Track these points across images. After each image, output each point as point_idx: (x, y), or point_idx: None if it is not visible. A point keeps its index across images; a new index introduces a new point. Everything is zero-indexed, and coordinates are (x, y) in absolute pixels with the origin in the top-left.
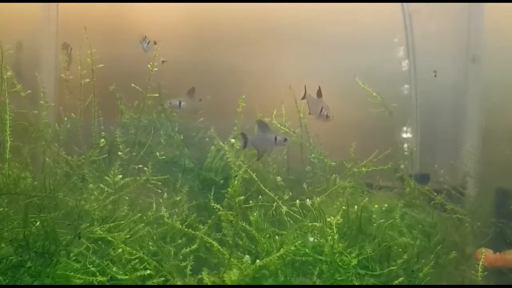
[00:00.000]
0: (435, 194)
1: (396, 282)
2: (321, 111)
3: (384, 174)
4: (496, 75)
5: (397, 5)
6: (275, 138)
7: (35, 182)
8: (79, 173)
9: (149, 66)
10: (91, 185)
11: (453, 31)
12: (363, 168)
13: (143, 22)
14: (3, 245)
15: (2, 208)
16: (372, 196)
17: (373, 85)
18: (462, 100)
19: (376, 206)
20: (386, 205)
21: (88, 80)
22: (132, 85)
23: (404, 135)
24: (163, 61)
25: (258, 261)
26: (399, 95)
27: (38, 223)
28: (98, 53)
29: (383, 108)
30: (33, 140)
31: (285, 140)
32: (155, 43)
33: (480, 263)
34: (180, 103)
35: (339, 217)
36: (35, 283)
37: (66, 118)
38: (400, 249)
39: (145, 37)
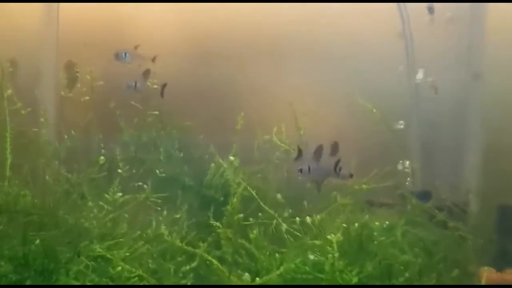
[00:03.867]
0: (437, 211)
1: None
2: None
3: (385, 191)
4: (498, 91)
5: (399, 21)
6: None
7: (35, 200)
8: (78, 191)
9: (148, 83)
10: (90, 203)
11: (454, 47)
12: (364, 185)
13: (142, 39)
14: (3, 263)
15: (1, 226)
16: (373, 213)
17: (372, 102)
18: (464, 116)
19: (377, 223)
20: (387, 222)
21: (88, 97)
22: (132, 102)
23: (405, 151)
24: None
25: (258, 279)
26: (400, 111)
27: (37, 241)
28: (98, 70)
29: (383, 124)
30: (33, 158)
31: None
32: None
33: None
34: (135, 84)
35: (339, 235)
36: None
37: (66, 136)
38: (402, 267)
39: (117, 53)
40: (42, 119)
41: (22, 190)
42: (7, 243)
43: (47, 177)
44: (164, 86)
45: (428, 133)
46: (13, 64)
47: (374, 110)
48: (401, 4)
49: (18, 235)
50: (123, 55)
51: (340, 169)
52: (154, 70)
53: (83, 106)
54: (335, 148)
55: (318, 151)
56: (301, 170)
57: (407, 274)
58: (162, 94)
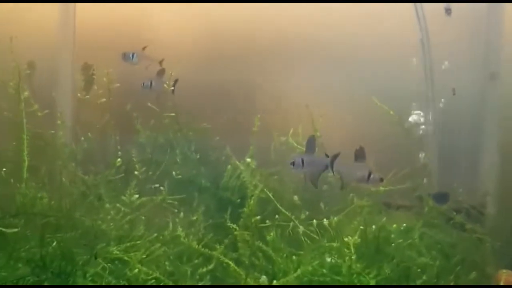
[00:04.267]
0: (455, 213)
1: None
2: (369, 176)
3: (402, 193)
4: None
5: (415, 21)
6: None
7: (52, 202)
8: (95, 192)
9: (165, 85)
10: (107, 205)
11: (471, 48)
12: (381, 187)
13: (159, 42)
14: (20, 265)
15: (19, 228)
16: (390, 215)
17: (389, 103)
18: (481, 117)
19: (394, 225)
20: (404, 224)
21: (104, 99)
22: (148, 104)
23: (422, 153)
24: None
25: (275, 281)
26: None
27: (54, 243)
28: (114, 72)
29: (400, 126)
30: (50, 160)
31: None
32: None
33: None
34: (151, 83)
35: (356, 237)
36: None
37: (82, 138)
38: (419, 270)
39: (124, 53)
40: (59, 121)
41: (39, 192)
42: (24, 245)
43: (64, 179)
44: (175, 82)
45: (445, 135)
46: (30, 66)
47: (391, 112)
48: (418, 4)
49: (35, 237)
50: (130, 55)
51: (370, 174)
52: (171, 72)
53: (100, 108)
54: (361, 153)
55: (311, 142)
56: (293, 164)
57: (424, 277)
58: (173, 90)
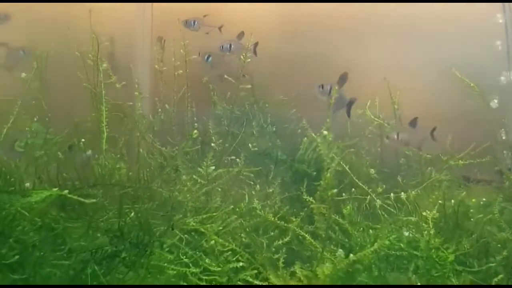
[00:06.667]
0: None
1: (495, 280)
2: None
3: (482, 168)
4: None
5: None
6: None
7: (130, 173)
8: (172, 164)
9: (241, 57)
10: (184, 176)
11: None
12: (460, 161)
13: (235, 15)
14: (99, 235)
15: (97, 199)
16: (469, 190)
17: (468, 78)
18: None
19: (473, 200)
20: (484, 199)
21: (181, 71)
22: (225, 76)
23: (503, 128)
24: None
25: (351, 255)
26: (497, 88)
27: (132, 213)
28: (191, 45)
29: (480, 100)
30: (128, 131)
31: None
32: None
33: None
34: (230, 46)
35: (435, 212)
36: (130, 273)
37: (160, 110)
38: (499, 245)
39: (186, 20)
40: (136, 93)
41: (117, 163)
42: (102, 215)
43: (141, 150)
44: (256, 45)
45: None
46: (109, 39)
47: (472, 84)
48: None
49: (113, 208)
50: (192, 22)
51: None
52: (248, 44)
53: (177, 79)
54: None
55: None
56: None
57: (505, 252)
58: (255, 52)
